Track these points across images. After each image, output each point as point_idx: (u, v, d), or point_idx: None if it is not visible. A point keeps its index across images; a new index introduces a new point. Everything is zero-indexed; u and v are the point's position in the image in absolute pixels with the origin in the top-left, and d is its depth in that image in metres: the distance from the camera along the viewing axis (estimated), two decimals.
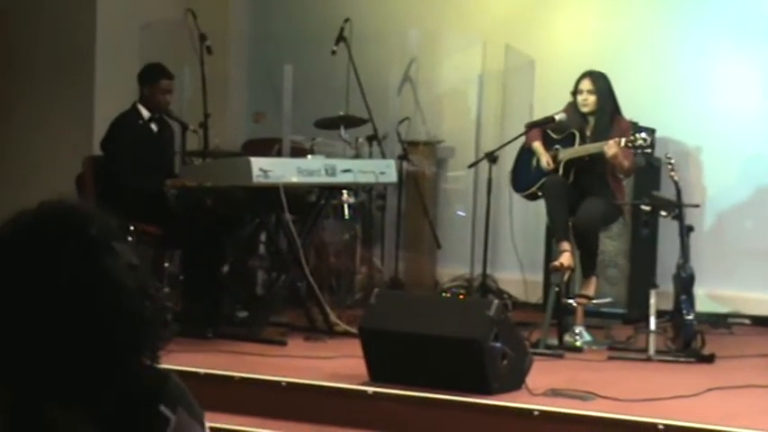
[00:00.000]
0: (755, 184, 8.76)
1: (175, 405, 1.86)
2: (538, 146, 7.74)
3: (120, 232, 1.86)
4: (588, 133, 7.59)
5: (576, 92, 7.62)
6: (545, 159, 7.65)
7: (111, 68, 9.34)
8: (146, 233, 7.76)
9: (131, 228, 7.69)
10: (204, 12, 9.12)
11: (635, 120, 7.90)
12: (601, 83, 7.56)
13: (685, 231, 7.16)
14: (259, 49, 10.65)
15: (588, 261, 7.53)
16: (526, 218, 8.88)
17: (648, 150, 7.34)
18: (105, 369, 1.79)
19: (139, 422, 1.83)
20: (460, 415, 5.58)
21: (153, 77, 7.96)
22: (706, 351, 6.98)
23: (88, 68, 9.45)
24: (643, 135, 7.20)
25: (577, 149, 7.57)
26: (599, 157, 7.43)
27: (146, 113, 7.94)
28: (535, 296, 8.75)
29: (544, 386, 5.83)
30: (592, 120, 7.60)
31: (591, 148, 7.47)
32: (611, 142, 7.28)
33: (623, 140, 7.24)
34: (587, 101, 7.55)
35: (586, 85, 7.57)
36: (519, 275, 8.97)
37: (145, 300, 1.83)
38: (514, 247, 8.51)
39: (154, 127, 7.99)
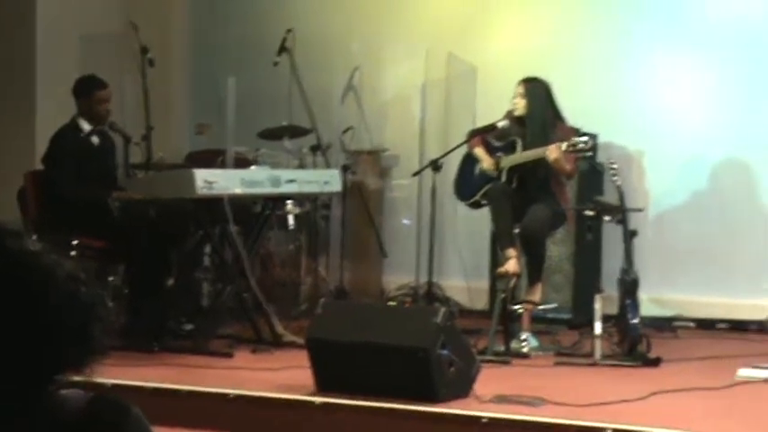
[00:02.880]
0: (697, 188, 8.84)
1: None
2: (479, 151, 7.78)
3: (46, 246, 1.81)
4: (528, 140, 7.63)
5: None
6: (487, 163, 7.69)
7: (51, 81, 9.26)
8: (89, 247, 7.70)
9: (75, 242, 7.64)
10: (146, 24, 9.07)
11: (578, 126, 7.95)
12: (534, 88, 7.62)
13: (629, 236, 7.21)
14: (201, 60, 10.62)
15: (535, 267, 7.57)
16: (471, 225, 8.91)
17: (589, 154, 7.41)
18: (31, 389, 1.76)
19: None
20: (409, 423, 5.57)
21: (86, 90, 7.90)
22: (651, 355, 7.02)
23: (29, 81, 9.38)
24: (583, 138, 7.28)
25: (519, 155, 7.61)
26: (541, 163, 7.47)
27: (86, 127, 7.88)
28: (481, 303, 8.76)
29: (492, 392, 5.84)
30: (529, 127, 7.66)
31: (533, 153, 7.51)
32: (552, 147, 7.33)
33: (564, 144, 7.30)
34: (518, 105, 7.64)
35: (519, 89, 7.65)
36: (464, 283, 8.99)
37: (74, 310, 1.79)
38: (459, 254, 8.51)
39: (95, 140, 7.94)
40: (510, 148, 7.68)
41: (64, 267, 1.81)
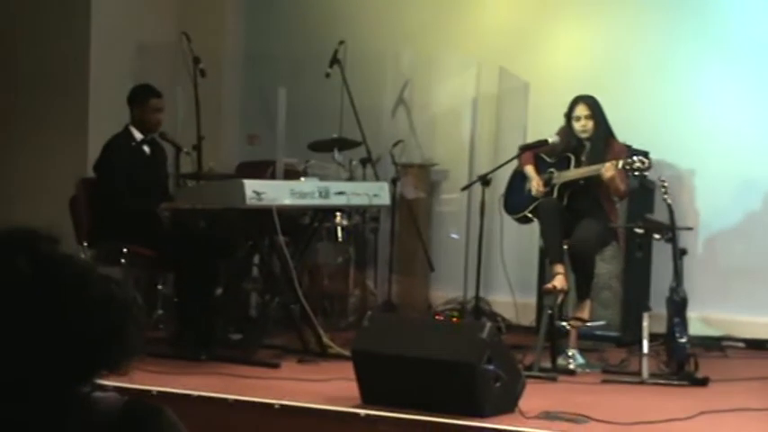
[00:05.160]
0: (748, 207, 8.77)
1: None
2: (530, 170, 7.75)
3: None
4: (583, 157, 7.60)
5: (570, 116, 7.63)
6: (535, 184, 7.66)
7: (104, 90, 9.35)
8: (139, 255, 7.76)
9: (125, 250, 7.70)
10: (198, 34, 9.13)
11: (628, 143, 7.92)
12: (595, 107, 7.59)
13: (678, 254, 7.16)
14: (253, 71, 10.66)
15: (584, 284, 7.53)
16: (519, 240, 8.89)
17: (646, 173, 7.36)
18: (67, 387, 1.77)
19: None
20: None
21: (141, 98, 7.97)
22: (699, 374, 6.97)
23: (82, 90, 9.46)
24: (641, 158, 7.22)
25: (574, 172, 7.57)
26: (594, 180, 7.44)
27: (138, 135, 7.94)
28: (528, 319, 8.74)
29: (537, 409, 5.82)
30: (588, 144, 7.61)
31: (588, 171, 7.48)
32: (607, 165, 7.29)
33: (621, 163, 7.25)
34: (586, 126, 7.57)
35: (583, 110, 7.57)
36: (511, 298, 8.96)
37: (109, 311, 1.81)
38: (505, 270, 8.48)
39: (146, 149, 7.99)
40: (563, 164, 7.65)
41: (97, 270, 1.84)
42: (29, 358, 1.73)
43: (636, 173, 7.29)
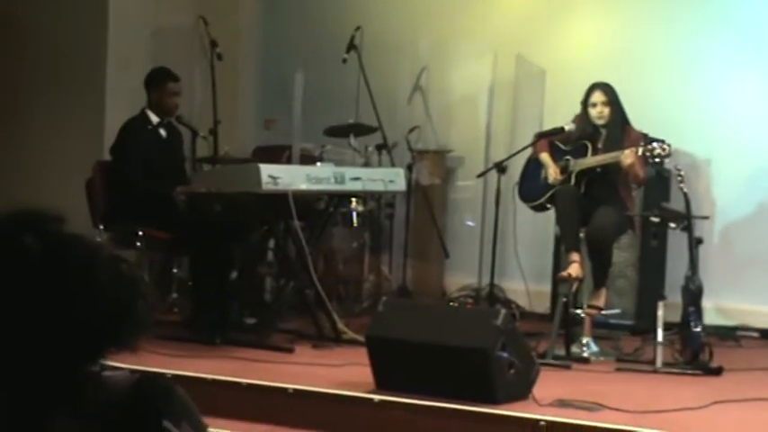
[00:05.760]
0: (765, 197, 8.74)
1: (180, 420, 1.84)
2: (546, 157, 7.73)
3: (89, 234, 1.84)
4: (600, 144, 7.57)
5: (586, 103, 7.61)
6: (552, 171, 7.64)
7: (122, 74, 9.36)
8: (155, 238, 7.78)
9: (140, 233, 7.71)
10: (215, 18, 9.14)
11: (644, 131, 7.90)
12: (612, 94, 7.56)
13: (694, 243, 7.15)
14: (270, 56, 10.67)
15: (600, 272, 7.50)
16: (534, 228, 8.88)
17: (666, 160, 7.34)
18: (76, 367, 1.78)
19: None
20: (466, 424, 5.57)
21: (159, 81, 7.98)
22: (714, 364, 6.96)
23: (99, 73, 9.47)
24: (662, 144, 7.18)
25: (592, 160, 7.54)
26: (611, 168, 7.42)
27: (154, 119, 7.96)
28: (542, 306, 8.74)
29: (551, 396, 5.82)
30: (604, 131, 7.59)
31: (606, 158, 7.45)
32: (627, 152, 7.26)
33: (641, 150, 7.22)
34: (603, 113, 7.54)
35: (600, 97, 7.56)
36: (526, 285, 8.95)
37: (118, 288, 1.81)
38: (516, 258, 8.48)
39: (163, 132, 8.01)
40: (580, 152, 7.63)
41: (105, 248, 1.85)
42: (39, 337, 1.74)
43: (656, 159, 7.25)
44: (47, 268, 1.76)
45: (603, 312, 7.56)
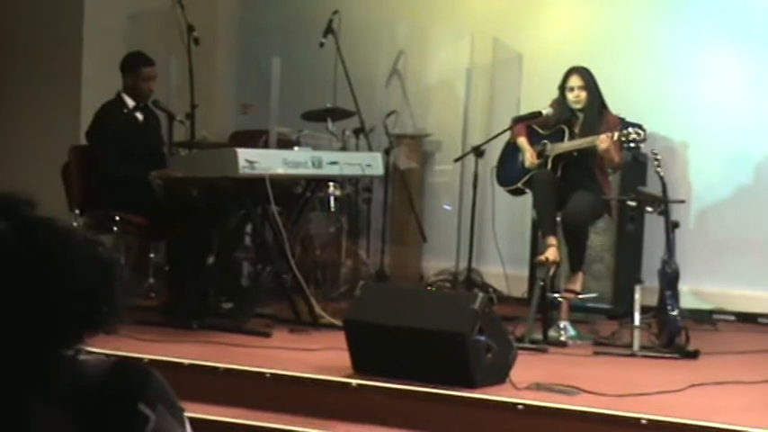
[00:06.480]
0: (741, 181, 8.78)
1: (155, 404, 1.82)
2: (523, 141, 7.73)
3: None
4: (577, 129, 7.58)
5: (564, 88, 7.61)
6: (528, 156, 7.64)
7: (97, 58, 9.30)
8: (131, 223, 7.76)
9: (117, 217, 7.69)
10: (192, 2, 9.10)
11: (622, 116, 7.90)
12: (589, 78, 7.57)
13: (671, 227, 7.16)
14: (247, 40, 10.63)
15: (577, 256, 7.52)
16: (512, 212, 8.88)
17: (642, 145, 7.36)
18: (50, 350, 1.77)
19: (117, 420, 1.80)
20: (444, 408, 5.57)
21: (134, 66, 7.95)
22: (690, 347, 6.99)
23: (75, 57, 9.42)
24: (636, 129, 7.20)
25: (568, 144, 7.56)
26: (588, 152, 7.44)
27: (130, 103, 7.93)
28: (520, 290, 8.74)
29: (528, 380, 5.83)
30: (581, 115, 7.60)
31: (582, 142, 7.47)
32: (602, 137, 7.27)
33: (616, 134, 7.24)
34: (579, 97, 7.55)
35: (576, 81, 7.56)
36: (503, 270, 8.97)
37: (93, 270, 1.80)
38: (495, 242, 8.49)
39: (139, 116, 7.98)
40: (557, 136, 7.64)
41: (79, 231, 1.84)
42: (13, 321, 1.73)
43: (632, 144, 7.27)
44: (21, 253, 1.75)
45: (580, 296, 7.57)
